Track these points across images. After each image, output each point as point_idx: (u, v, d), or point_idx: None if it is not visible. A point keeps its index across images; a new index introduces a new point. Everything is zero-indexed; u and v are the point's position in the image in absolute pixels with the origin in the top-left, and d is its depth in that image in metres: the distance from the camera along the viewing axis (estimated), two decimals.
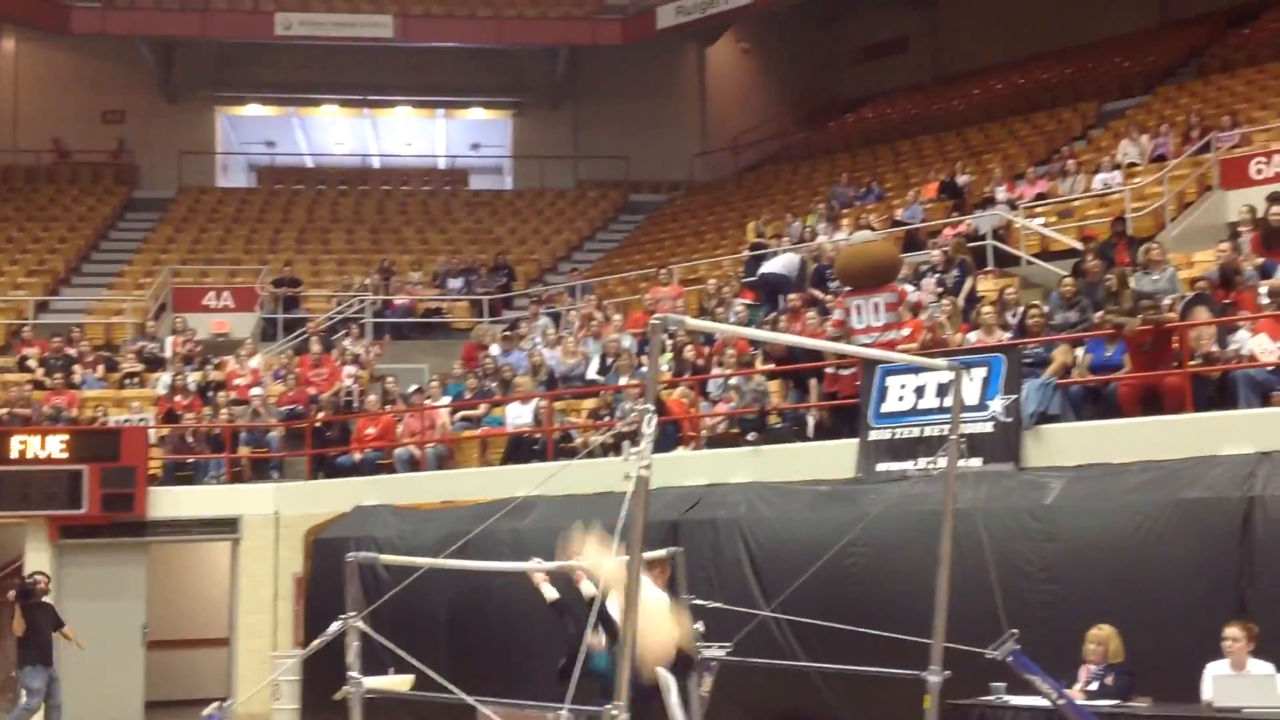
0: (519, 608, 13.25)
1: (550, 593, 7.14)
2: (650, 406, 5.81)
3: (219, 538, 17.43)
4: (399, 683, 9.88)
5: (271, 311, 23.56)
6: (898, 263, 14.53)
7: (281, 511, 17.02)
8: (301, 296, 24.10)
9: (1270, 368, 10.51)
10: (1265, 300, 11.75)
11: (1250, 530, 9.19)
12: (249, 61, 31.21)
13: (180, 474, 17.64)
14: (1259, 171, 17.63)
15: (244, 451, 17.79)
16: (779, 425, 13.86)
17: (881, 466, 11.98)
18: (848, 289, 13.81)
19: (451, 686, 6.34)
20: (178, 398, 18.47)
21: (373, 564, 13.12)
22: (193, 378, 19.29)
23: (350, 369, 19.16)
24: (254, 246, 27.27)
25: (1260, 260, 12.99)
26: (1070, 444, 10.98)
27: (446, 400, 17.35)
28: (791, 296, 16.29)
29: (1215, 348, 11.01)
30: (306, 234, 28.34)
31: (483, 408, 16.93)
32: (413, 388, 17.93)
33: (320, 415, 17.86)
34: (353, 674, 6.18)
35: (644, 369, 13.96)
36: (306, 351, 20.00)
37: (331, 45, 30.20)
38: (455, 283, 24.61)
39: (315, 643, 6.12)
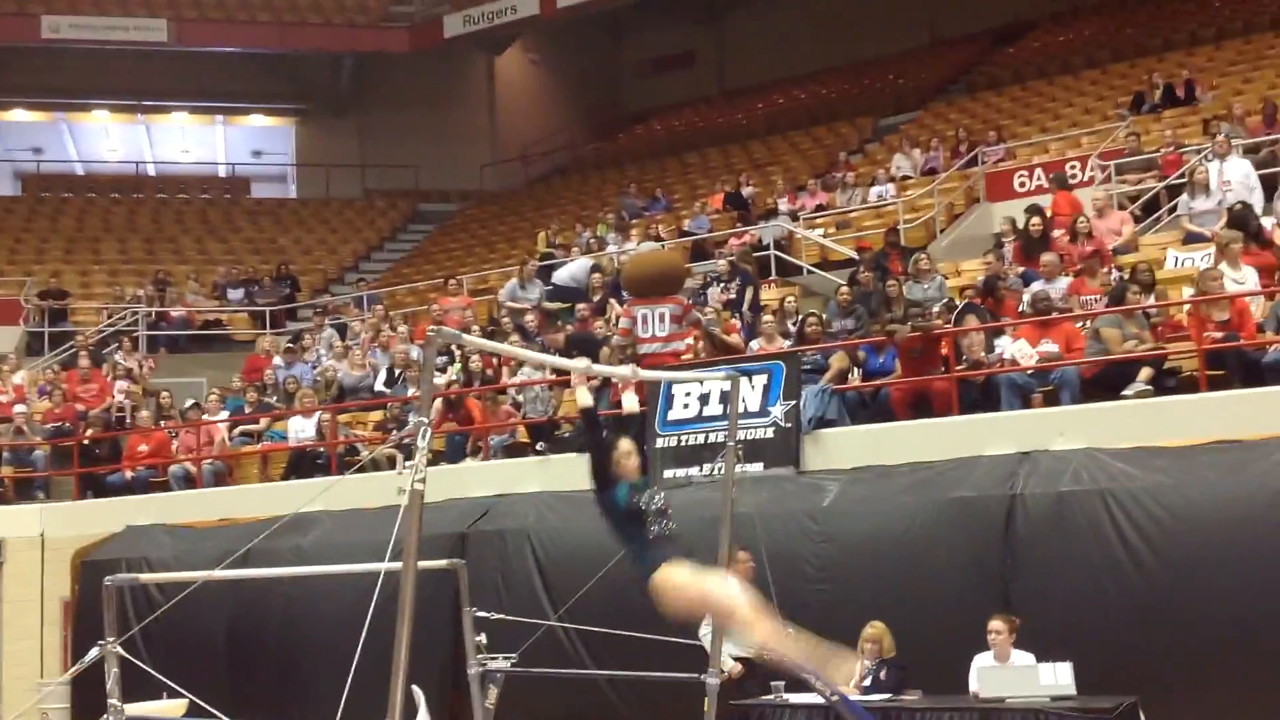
0: (300, 625, 12.95)
1: (585, 399, 6.68)
2: (425, 420, 5.73)
3: None
4: (170, 708, 9.50)
5: (37, 325, 22.46)
6: (683, 272, 14.70)
7: (48, 534, 16.18)
8: (70, 309, 23.04)
9: (1029, 371, 11.02)
10: (1026, 308, 12.33)
11: (1013, 527, 9.62)
12: (14, 65, 29.60)
13: None
14: (1021, 185, 18.52)
15: (7, 471, 16.88)
16: (567, 434, 13.87)
17: (668, 473, 12.10)
18: (633, 297, 13.91)
19: (217, 713, 6.11)
20: None
21: (144, 586, 12.68)
22: None
23: (122, 384, 18.38)
24: (19, 257, 25.93)
25: (1021, 269, 13.63)
26: (846, 447, 11.29)
27: (225, 415, 16.81)
28: (580, 305, 16.35)
29: (983, 354, 11.49)
30: (76, 244, 27.10)
31: (264, 422, 16.47)
32: (189, 402, 17.32)
33: (89, 432, 17.09)
34: (113, 701, 5.91)
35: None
36: (75, 366, 19.12)
37: (103, 49, 28.94)
38: (236, 294, 23.89)
39: (72, 669, 5.83)
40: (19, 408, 17.43)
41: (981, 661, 8.75)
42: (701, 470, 11.87)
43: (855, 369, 12.35)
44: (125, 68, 29.83)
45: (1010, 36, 27.53)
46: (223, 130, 33.60)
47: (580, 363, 6.90)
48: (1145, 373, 10.24)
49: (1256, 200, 13.49)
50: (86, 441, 16.89)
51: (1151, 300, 11.33)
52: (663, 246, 18.79)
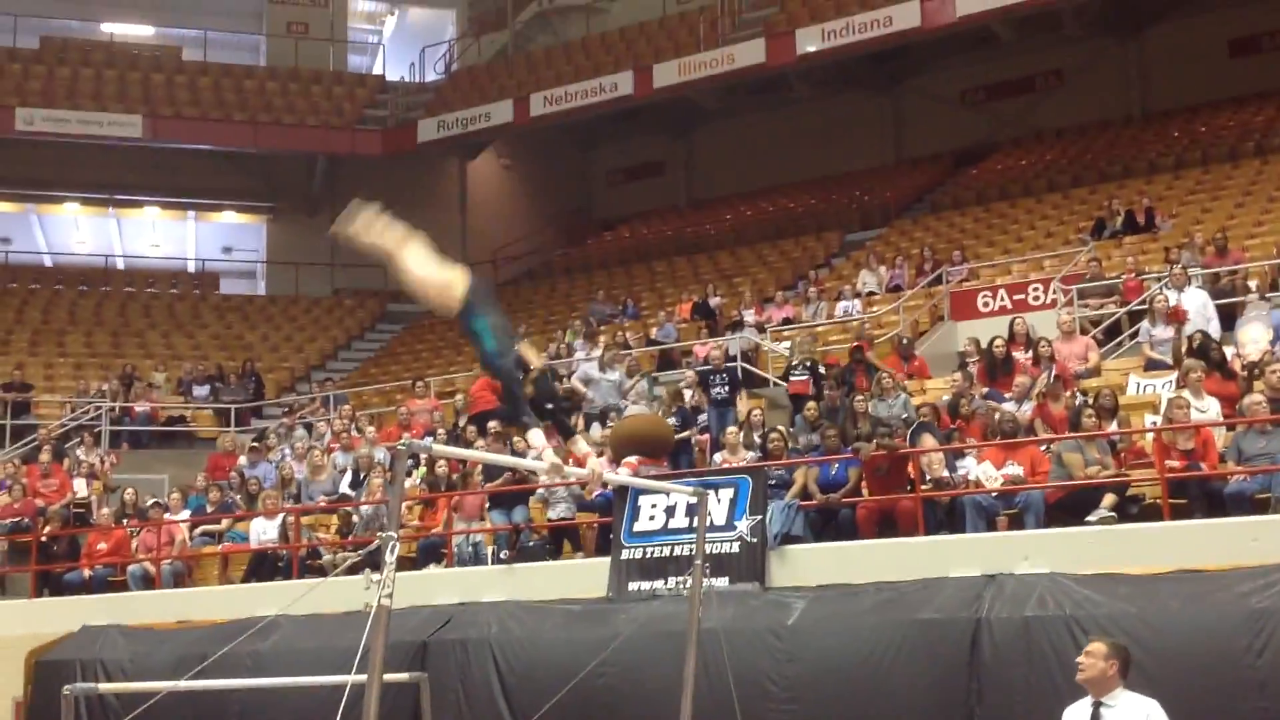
0: None
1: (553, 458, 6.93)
2: (394, 535, 5.74)
3: None
4: None
5: None
6: (670, 441, 14.04)
7: (1, 632, 15.92)
8: (33, 402, 22.85)
9: (994, 494, 11.12)
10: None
11: (978, 651, 9.65)
12: None
13: None
14: (985, 305, 18.80)
15: None
16: (533, 543, 13.83)
17: (633, 585, 12.09)
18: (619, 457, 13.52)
19: None
20: None
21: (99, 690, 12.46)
22: None
23: (83, 479, 18.20)
24: None
25: (985, 390, 13.80)
26: (812, 564, 11.33)
27: (186, 514, 16.65)
28: None
29: (945, 473, 11.60)
30: (41, 336, 26.94)
31: (225, 522, 16.33)
32: (150, 500, 17.16)
33: (47, 529, 16.88)
34: None
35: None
36: (35, 461, 18.93)
37: (76, 142, 29.05)
38: (201, 390, 23.78)
39: None
40: None
41: None
42: (666, 584, 11.86)
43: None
44: (97, 161, 29.92)
45: (973, 158, 28.12)
46: (193, 226, 33.65)
47: (546, 463, 6.95)
48: (1109, 499, 10.36)
49: (1213, 330, 13.77)
50: (44, 538, 16.68)
51: (1115, 426, 11.48)
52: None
